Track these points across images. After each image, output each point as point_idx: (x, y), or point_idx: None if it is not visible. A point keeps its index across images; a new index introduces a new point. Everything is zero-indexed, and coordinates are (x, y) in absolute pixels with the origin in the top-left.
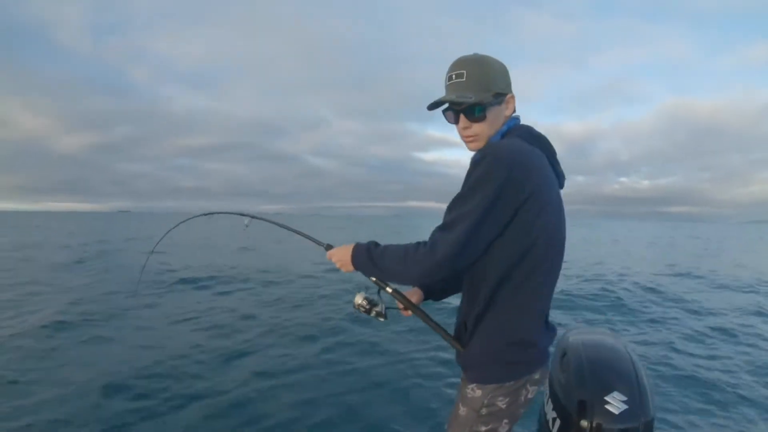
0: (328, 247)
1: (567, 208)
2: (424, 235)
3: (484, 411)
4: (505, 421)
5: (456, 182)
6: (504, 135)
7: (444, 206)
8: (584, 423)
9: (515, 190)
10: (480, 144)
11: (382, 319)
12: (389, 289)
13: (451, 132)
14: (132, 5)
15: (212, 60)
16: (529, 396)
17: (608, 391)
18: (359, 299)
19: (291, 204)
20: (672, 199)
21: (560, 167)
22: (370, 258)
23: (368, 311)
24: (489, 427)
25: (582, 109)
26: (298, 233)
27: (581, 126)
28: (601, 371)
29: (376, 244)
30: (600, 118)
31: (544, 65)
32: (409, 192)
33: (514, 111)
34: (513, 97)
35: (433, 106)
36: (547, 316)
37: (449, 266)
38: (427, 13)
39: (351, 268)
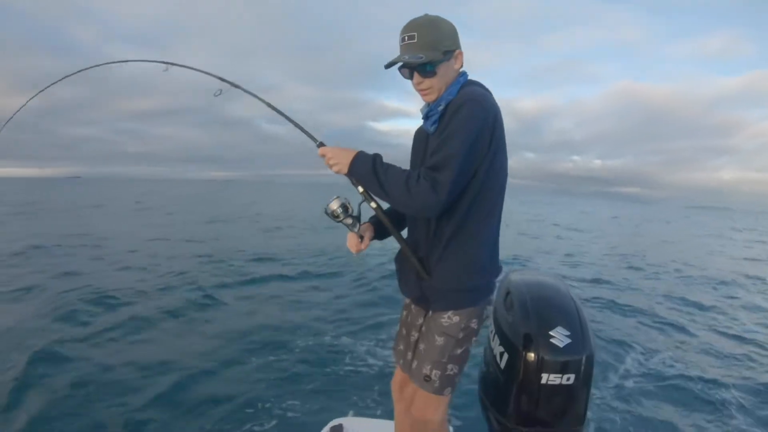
0: (321, 144)
1: (523, 183)
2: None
3: (461, 335)
4: (474, 339)
5: (403, 151)
6: (463, 86)
7: None
8: (531, 355)
9: (490, 129)
10: (434, 96)
11: (354, 230)
12: (373, 204)
13: (406, 103)
14: None
15: (161, 20)
16: (487, 314)
17: (552, 326)
18: (335, 205)
19: (245, 171)
20: (622, 180)
21: None
22: (374, 169)
23: (341, 219)
24: (463, 348)
25: (535, 84)
26: (291, 121)
27: (535, 102)
28: (544, 308)
29: (381, 157)
30: (554, 95)
31: (494, 40)
32: None
33: (462, 65)
34: (461, 52)
35: (389, 65)
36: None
37: (447, 203)
38: None
39: (345, 170)
